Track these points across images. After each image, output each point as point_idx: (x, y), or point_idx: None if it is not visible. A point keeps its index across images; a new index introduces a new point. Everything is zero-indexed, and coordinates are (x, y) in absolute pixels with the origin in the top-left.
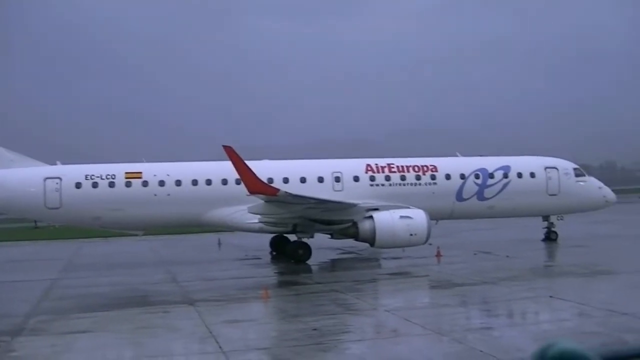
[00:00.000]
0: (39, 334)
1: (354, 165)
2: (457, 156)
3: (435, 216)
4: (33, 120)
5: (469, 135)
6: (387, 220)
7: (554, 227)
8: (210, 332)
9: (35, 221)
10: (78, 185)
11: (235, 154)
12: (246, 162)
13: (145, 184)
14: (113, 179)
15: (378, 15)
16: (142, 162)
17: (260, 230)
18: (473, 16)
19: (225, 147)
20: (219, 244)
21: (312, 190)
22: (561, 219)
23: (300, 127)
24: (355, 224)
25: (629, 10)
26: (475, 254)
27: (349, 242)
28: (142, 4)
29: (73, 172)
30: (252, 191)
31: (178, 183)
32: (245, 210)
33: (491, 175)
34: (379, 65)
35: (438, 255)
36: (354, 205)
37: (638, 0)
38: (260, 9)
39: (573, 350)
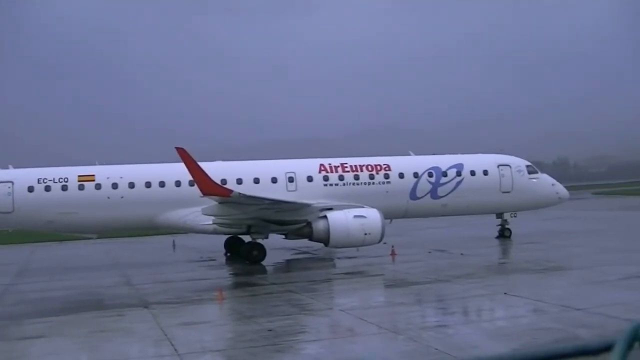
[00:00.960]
0: None
1: (308, 166)
2: (410, 155)
3: (389, 215)
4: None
5: (428, 136)
6: (341, 219)
7: (507, 224)
8: (165, 335)
9: None
10: (30, 189)
11: (188, 155)
12: (199, 163)
13: (98, 186)
14: (66, 182)
15: (339, 15)
16: (95, 164)
17: (215, 232)
18: (433, 18)
19: (177, 148)
20: (174, 246)
21: (265, 190)
22: (515, 216)
23: (258, 127)
24: (309, 224)
25: (587, 14)
26: (429, 252)
27: (304, 242)
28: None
29: (25, 175)
30: (206, 193)
31: (131, 185)
32: (199, 212)
33: (444, 174)
34: (339, 65)
35: (392, 254)
36: (307, 206)
37: (605, 5)
38: (221, 9)
39: None
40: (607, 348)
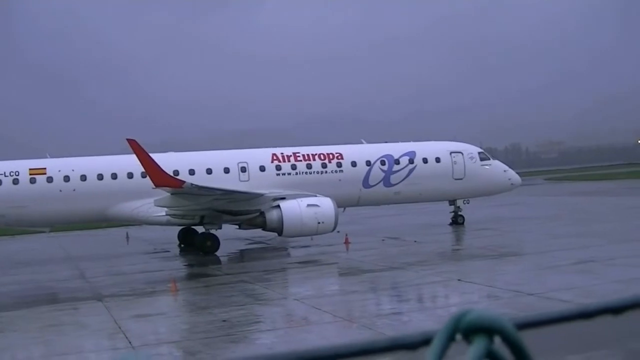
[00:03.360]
0: None
1: (260, 155)
2: (362, 143)
3: (342, 203)
4: None
5: (382, 125)
6: (294, 209)
7: (460, 211)
8: (120, 328)
9: None
10: None
11: (140, 147)
12: (151, 154)
13: (49, 179)
14: (17, 175)
15: (293, 3)
16: (47, 157)
17: (168, 223)
18: (390, 7)
19: (129, 140)
20: (127, 238)
21: (218, 181)
22: (467, 203)
23: (208, 118)
24: (262, 213)
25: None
26: (383, 240)
27: (257, 232)
28: None
29: None
30: (158, 184)
31: (83, 178)
32: (151, 204)
33: (397, 162)
34: (288, 53)
35: (346, 242)
36: (260, 195)
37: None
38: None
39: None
40: (425, 341)
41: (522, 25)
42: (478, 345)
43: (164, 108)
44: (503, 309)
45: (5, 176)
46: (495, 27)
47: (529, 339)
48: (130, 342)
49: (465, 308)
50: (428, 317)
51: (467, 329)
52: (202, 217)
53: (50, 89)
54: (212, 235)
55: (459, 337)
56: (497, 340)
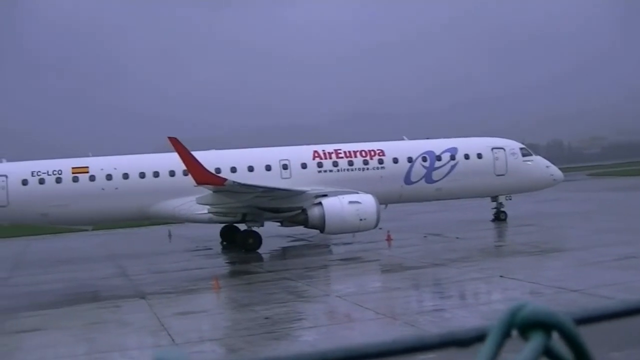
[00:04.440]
0: None
1: (302, 152)
2: (404, 140)
3: (384, 200)
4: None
5: (416, 119)
6: (336, 206)
7: (502, 207)
8: (162, 325)
9: None
10: (24, 182)
11: (181, 145)
12: (193, 152)
13: (92, 178)
14: (60, 174)
15: (322, 2)
16: (89, 156)
17: (210, 221)
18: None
19: (170, 138)
20: (170, 236)
21: (260, 178)
22: (509, 199)
23: (242, 112)
24: (304, 211)
25: None
26: (425, 236)
27: (299, 230)
28: None
29: (19, 169)
30: (200, 182)
31: (125, 176)
32: (193, 202)
33: (438, 158)
34: (325, 50)
35: (388, 239)
36: (302, 192)
37: None
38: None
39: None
40: (479, 337)
41: (555, 11)
42: (535, 341)
43: (196, 107)
44: (547, 305)
45: (48, 175)
46: (527, 14)
47: None
48: (173, 340)
49: (520, 302)
50: (471, 314)
51: (524, 324)
52: (244, 215)
53: (74, 90)
54: (254, 232)
55: (514, 332)
56: (555, 336)
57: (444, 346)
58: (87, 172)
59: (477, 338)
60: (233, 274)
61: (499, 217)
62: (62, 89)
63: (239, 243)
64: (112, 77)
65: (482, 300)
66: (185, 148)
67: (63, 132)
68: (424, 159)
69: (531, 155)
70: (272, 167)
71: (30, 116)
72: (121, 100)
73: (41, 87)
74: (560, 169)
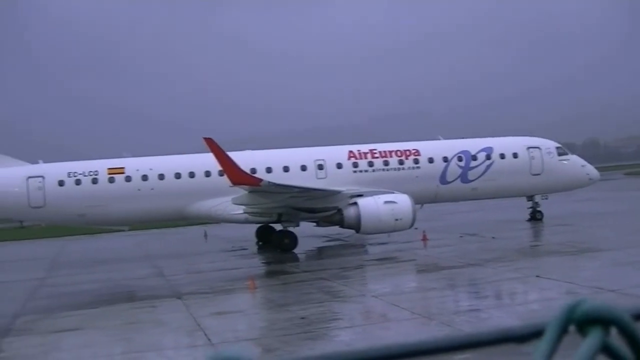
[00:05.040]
0: (26, 334)
1: (337, 152)
2: (439, 139)
3: (419, 200)
4: (12, 120)
5: (451, 118)
6: (371, 206)
7: (538, 207)
8: (199, 325)
9: (21, 221)
10: (61, 183)
11: (216, 145)
12: (228, 153)
13: (128, 179)
14: (96, 175)
15: (357, 1)
16: (125, 157)
17: (245, 221)
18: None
19: (206, 139)
20: (205, 236)
21: (295, 178)
22: (545, 198)
23: (281, 115)
24: (339, 211)
25: None
26: (461, 236)
27: (335, 230)
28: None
29: (56, 170)
30: (235, 182)
31: (161, 177)
32: (229, 202)
33: (474, 157)
34: (359, 51)
35: (424, 239)
36: (337, 192)
37: None
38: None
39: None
40: (536, 333)
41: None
42: (593, 337)
43: (230, 111)
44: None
45: (84, 176)
46: (549, 8)
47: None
48: (209, 340)
49: (578, 298)
50: (507, 314)
51: (581, 320)
52: (280, 215)
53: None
54: (290, 232)
55: (571, 328)
56: (613, 332)
57: (500, 342)
58: (123, 173)
59: (534, 334)
60: (269, 274)
61: (535, 216)
62: (87, 95)
63: (274, 243)
64: (140, 81)
65: (518, 300)
66: (221, 148)
67: (95, 137)
68: (460, 159)
69: (567, 154)
70: (308, 167)
71: (56, 122)
72: (151, 105)
73: (64, 92)
74: (596, 168)
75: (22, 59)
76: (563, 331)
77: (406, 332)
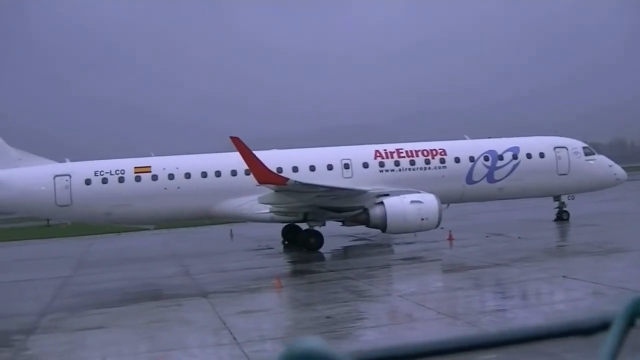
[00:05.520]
0: (52, 332)
1: (363, 152)
2: (465, 139)
3: (445, 200)
4: (36, 120)
5: (474, 116)
6: (397, 205)
7: (565, 207)
8: (224, 324)
9: (47, 219)
10: (88, 181)
11: (243, 144)
12: (254, 152)
13: (154, 177)
14: (122, 174)
15: (374, 3)
16: (151, 156)
17: (271, 220)
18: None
19: (232, 138)
20: (231, 235)
21: (321, 178)
22: (572, 199)
23: (305, 115)
24: (366, 210)
25: None
26: (487, 236)
27: (361, 229)
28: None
29: (82, 168)
30: (262, 181)
31: (187, 176)
32: (255, 201)
33: (500, 157)
34: (381, 50)
35: (450, 238)
36: (363, 192)
37: None
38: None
39: (317, 349)
40: (603, 326)
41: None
42: None
43: (258, 108)
44: (610, 306)
45: (111, 174)
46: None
47: None
48: (234, 338)
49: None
50: (533, 314)
51: None
52: (306, 214)
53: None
54: (316, 232)
55: (638, 322)
56: None
57: (567, 335)
58: (150, 172)
59: (601, 327)
60: (295, 273)
61: (562, 216)
62: (117, 93)
63: (300, 242)
64: (159, 82)
65: (545, 300)
66: (247, 147)
67: (118, 138)
68: (486, 158)
69: (594, 154)
70: (334, 167)
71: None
72: (179, 107)
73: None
74: (623, 168)
75: (37, 59)
76: (630, 324)
77: (432, 332)
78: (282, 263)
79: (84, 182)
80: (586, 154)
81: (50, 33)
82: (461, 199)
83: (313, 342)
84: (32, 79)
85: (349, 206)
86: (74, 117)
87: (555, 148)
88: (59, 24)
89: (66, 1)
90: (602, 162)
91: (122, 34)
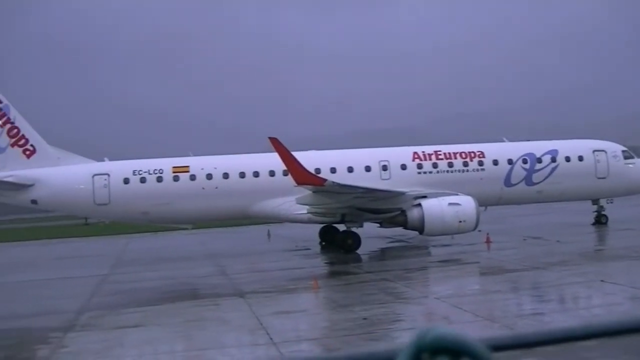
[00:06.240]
0: (90, 330)
1: (401, 154)
2: (504, 141)
3: (483, 202)
4: (73, 125)
5: (509, 117)
6: (435, 207)
7: (603, 211)
8: (261, 324)
9: (86, 218)
10: (126, 180)
11: (282, 145)
12: (293, 153)
13: (192, 177)
14: (161, 173)
15: (413, 2)
16: (189, 155)
17: (309, 221)
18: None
19: (271, 138)
20: (269, 235)
21: (359, 179)
22: (611, 202)
23: (343, 117)
24: (403, 212)
25: None
26: (524, 239)
27: (398, 231)
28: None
29: (121, 168)
30: (300, 182)
31: (226, 176)
32: (293, 201)
33: (539, 160)
34: (418, 51)
35: (487, 241)
36: (402, 194)
37: None
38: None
39: (453, 335)
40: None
41: None
42: None
43: (293, 112)
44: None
45: (149, 174)
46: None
47: None
48: (271, 338)
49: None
50: (571, 318)
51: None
52: (343, 215)
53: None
54: (353, 233)
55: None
56: None
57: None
58: (188, 172)
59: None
60: (332, 274)
61: (600, 220)
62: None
63: (338, 243)
64: (199, 86)
65: (582, 304)
66: (286, 148)
67: (156, 141)
68: (525, 161)
69: (633, 157)
70: (372, 168)
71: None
72: (218, 110)
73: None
74: None
75: (67, 63)
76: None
77: (468, 334)
78: (319, 264)
79: (122, 181)
80: (625, 158)
81: (79, 34)
82: (499, 201)
83: (444, 328)
84: (72, 85)
85: (386, 208)
86: (112, 123)
87: (594, 151)
88: (98, 31)
89: (105, 9)
90: None
91: (163, 39)
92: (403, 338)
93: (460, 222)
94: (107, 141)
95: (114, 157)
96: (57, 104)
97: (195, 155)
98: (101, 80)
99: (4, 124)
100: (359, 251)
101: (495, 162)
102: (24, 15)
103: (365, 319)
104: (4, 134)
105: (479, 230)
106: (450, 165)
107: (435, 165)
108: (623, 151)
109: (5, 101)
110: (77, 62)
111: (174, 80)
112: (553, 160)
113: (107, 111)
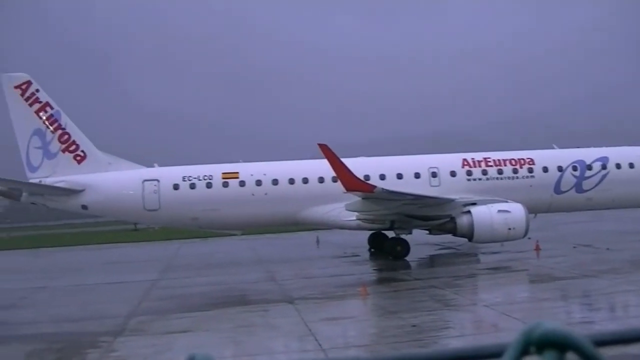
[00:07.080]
0: (139, 334)
1: (451, 160)
2: (553, 148)
3: (533, 209)
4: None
5: (557, 123)
6: (485, 214)
7: None
8: (310, 330)
9: (135, 223)
10: (176, 186)
11: (331, 151)
12: (342, 159)
13: (242, 183)
14: (210, 179)
15: (458, 15)
16: (239, 162)
17: (358, 228)
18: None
19: (320, 145)
20: (317, 242)
21: (408, 186)
22: None
23: (385, 122)
24: (453, 219)
25: None
26: (574, 247)
27: (447, 238)
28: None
29: (171, 173)
30: (349, 189)
31: (275, 182)
32: (342, 208)
33: (589, 167)
34: (469, 54)
35: (537, 249)
36: (451, 201)
37: None
38: (333, 6)
39: (561, 331)
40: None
41: None
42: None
43: (343, 115)
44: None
45: (199, 180)
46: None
47: None
48: (320, 345)
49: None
50: (620, 327)
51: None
52: (392, 222)
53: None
54: (402, 240)
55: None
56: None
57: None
58: (237, 178)
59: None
60: (380, 281)
61: None
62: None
63: (387, 250)
64: (245, 92)
65: (633, 313)
66: (335, 155)
67: (206, 149)
68: (575, 168)
69: None
70: (421, 175)
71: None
72: (260, 117)
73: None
74: None
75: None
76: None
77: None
78: (368, 270)
79: (172, 187)
80: None
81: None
82: (549, 209)
83: (551, 323)
84: (112, 95)
85: (436, 215)
86: (152, 131)
87: None
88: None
89: (141, 18)
90: None
91: (200, 45)
92: (453, 345)
93: (509, 229)
94: (151, 149)
95: (160, 164)
96: (100, 111)
97: (245, 161)
98: (133, 88)
99: (55, 130)
100: (407, 258)
101: (545, 169)
102: (64, 24)
103: (414, 325)
104: (55, 140)
105: (529, 238)
106: (500, 172)
107: (484, 172)
108: None
109: (56, 107)
110: (110, 70)
111: (214, 86)
112: (603, 167)
113: (147, 120)
